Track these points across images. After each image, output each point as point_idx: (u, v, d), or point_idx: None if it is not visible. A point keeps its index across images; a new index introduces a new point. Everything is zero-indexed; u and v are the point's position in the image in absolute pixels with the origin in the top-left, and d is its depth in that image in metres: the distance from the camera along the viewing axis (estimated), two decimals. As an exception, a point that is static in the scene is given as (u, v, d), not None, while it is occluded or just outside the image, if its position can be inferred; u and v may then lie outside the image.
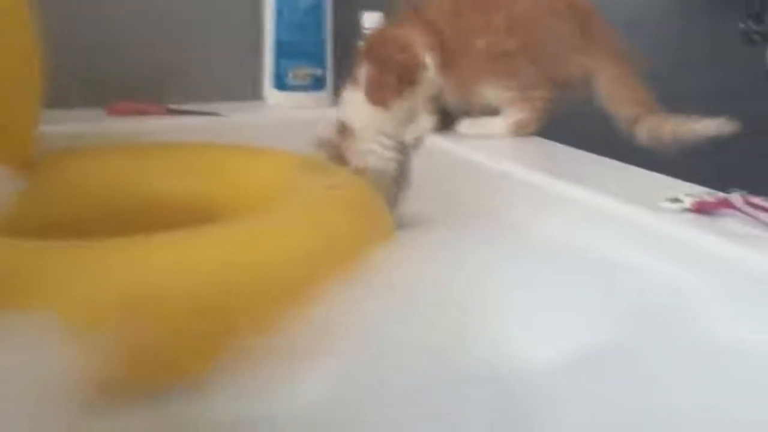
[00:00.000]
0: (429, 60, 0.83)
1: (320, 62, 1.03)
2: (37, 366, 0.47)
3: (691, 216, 0.58)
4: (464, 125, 0.86)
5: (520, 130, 0.84)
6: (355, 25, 1.03)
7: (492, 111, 0.86)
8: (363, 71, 0.81)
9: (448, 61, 0.83)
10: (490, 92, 0.84)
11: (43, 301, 0.50)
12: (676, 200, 0.60)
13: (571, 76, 0.83)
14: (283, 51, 1.02)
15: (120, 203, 0.75)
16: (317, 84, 1.04)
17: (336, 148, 0.78)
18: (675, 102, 0.72)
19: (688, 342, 0.53)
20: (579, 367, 0.52)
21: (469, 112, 0.87)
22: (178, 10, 1.03)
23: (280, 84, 1.03)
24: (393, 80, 0.82)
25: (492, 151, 0.79)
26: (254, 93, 1.06)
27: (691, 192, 0.61)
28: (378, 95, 0.81)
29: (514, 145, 0.84)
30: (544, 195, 0.68)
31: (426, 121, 0.84)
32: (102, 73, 0.99)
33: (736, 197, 0.56)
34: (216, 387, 0.51)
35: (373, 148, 0.77)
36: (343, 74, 1.05)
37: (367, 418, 0.49)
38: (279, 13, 1.01)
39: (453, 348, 0.53)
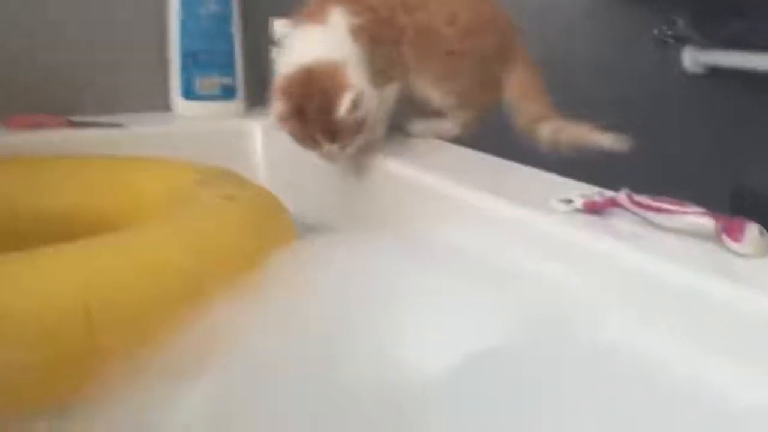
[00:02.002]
0: None
1: (230, 71, 1.01)
2: None
3: (581, 216, 0.57)
4: (416, 125, 0.86)
5: (465, 131, 0.85)
6: (265, 33, 1.01)
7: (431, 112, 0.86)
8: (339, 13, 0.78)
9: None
10: (435, 94, 0.83)
11: None
12: (568, 201, 0.60)
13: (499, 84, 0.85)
14: (190, 60, 0.99)
15: (8, 218, 0.72)
16: (227, 93, 1.01)
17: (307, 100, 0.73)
18: (590, 105, 0.71)
19: (579, 344, 0.52)
20: (470, 374, 0.51)
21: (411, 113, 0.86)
22: (80, 21, 0.99)
23: (189, 94, 1.00)
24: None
25: (389, 154, 0.78)
26: (163, 104, 1.03)
27: (584, 192, 0.61)
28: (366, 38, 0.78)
29: (411, 148, 0.83)
30: (440, 198, 0.67)
31: (382, 129, 0.83)
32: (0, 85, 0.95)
33: (621, 196, 0.56)
34: (86, 411, 0.48)
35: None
36: (255, 83, 1.03)
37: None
38: (184, 22, 0.98)
39: (338, 358, 0.51)
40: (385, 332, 0.54)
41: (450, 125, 0.85)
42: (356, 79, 0.74)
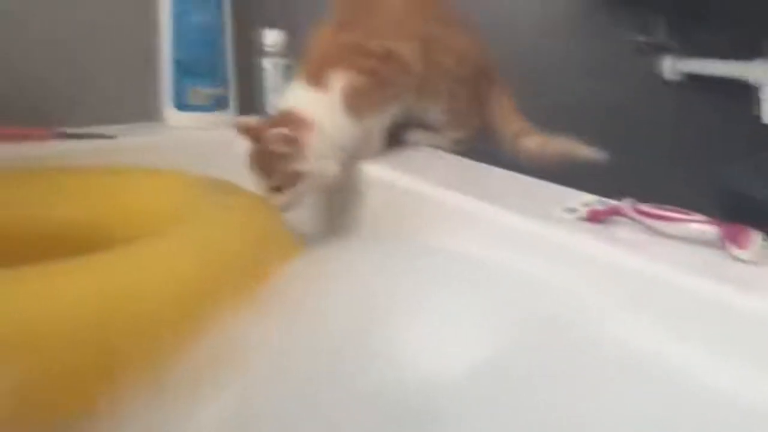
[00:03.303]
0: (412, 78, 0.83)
1: (221, 81, 1.01)
2: None
3: (585, 224, 0.59)
4: (415, 135, 0.89)
5: (456, 147, 0.89)
6: (257, 43, 1.01)
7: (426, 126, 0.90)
8: (339, 77, 0.78)
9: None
10: (433, 113, 0.88)
11: None
12: (572, 210, 0.61)
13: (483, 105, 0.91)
14: (181, 70, 0.99)
15: (4, 232, 0.71)
16: (219, 103, 1.01)
17: (259, 135, 0.74)
18: (568, 112, 0.74)
19: (584, 350, 0.53)
20: (480, 379, 0.52)
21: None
22: (70, 33, 0.99)
23: (180, 104, 1.00)
24: (379, 93, 0.80)
25: (394, 166, 0.79)
26: (154, 114, 1.02)
27: (587, 201, 0.63)
28: (360, 105, 0.78)
29: (413, 158, 0.84)
30: (445, 208, 0.68)
31: (381, 141, 0.84)
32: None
33: (625, 205, 0.57)
34: (102, 422, 0.48)
35: (325, 153, 0.76)
36: (246, 93, 1.04)
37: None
38: (175, 32, 0.98)
39: (354, 368, 0.52)
40: (395, 339, 0.55)
41: (443, 141, 0.89)
42: (315, 139, 0.75)
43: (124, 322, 0.49)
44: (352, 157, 0.81)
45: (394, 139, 0.86)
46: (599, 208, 0.59)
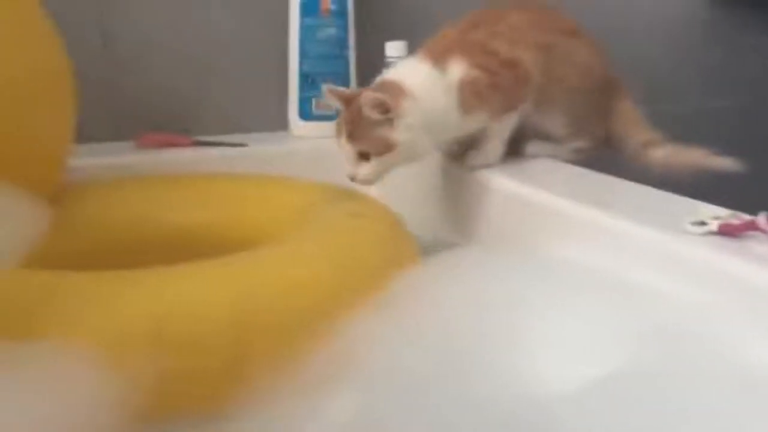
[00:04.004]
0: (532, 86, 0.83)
1: (344, 92, 1.04)
2: (63, 397, 0.47)
3: (717, 239, 0.57)
4: (534, 147, 0.88)
5: (579, 156, 0.88)
6: (379, 55, 1.04)
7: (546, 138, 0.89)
8: (460, 66, 0.79)
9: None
10: (553, 124, 0.87)
11: (70, 330, 0.51)
12: (701, 223, 0.59)
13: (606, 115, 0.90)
14: (307, 81, 1.03)
15: (145, 234, 0.76)
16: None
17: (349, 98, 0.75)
18: (699, 120, 0.72)
19: (714, 367, 0.51)
20: (602, 393, 0.51)
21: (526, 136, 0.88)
22: (207, 43, 1.05)
23: (305, 114, 1.04)
24: (491, 93, 0.80)
25: (515, 176, 0.79)
26: (280, 124, 1.07)
27: (716, 214, 0.60)
28: (469, 98, 0.79)
29: (536, 169, 0.83)
30: (568, 219, 0.67)
31: (498, 151, 0.84)
32: (132, 106, 1.01)
33: (762, 219, 0.55)
34: (240, 417, 0.51)
35: (419, 127, 0.75)
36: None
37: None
38: (303, 45, 1.03)
39: (471, 374, 0.52)
40: (514, 348, 0.55)
41: (564, 151, 0.88)
42: (411, 111, 0.74)
43: (257, 323, 0.52)
44: (467, 165, 0.82)
45: (514, 150, 0.86)
46: (733, 222, 0.57)
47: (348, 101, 0.76)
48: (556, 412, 0.50)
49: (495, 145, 0.83)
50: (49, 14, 0.73)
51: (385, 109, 0.73)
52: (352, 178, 0.76)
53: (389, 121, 0.73)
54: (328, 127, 1.04)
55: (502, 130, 0.83)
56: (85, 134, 0.81)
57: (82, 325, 0.52)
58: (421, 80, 0.77)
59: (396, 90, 0.75)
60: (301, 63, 1.03)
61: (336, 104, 0.78)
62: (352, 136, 0.75)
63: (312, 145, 1.02)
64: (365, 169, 0.75)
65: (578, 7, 0.89)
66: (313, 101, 1.04)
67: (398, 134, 0.74)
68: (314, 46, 1.03)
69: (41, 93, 0.69)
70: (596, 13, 0.92)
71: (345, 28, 1.04)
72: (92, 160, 0.89)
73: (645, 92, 0.90)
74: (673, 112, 0.90)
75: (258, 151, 0.98)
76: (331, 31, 1.03)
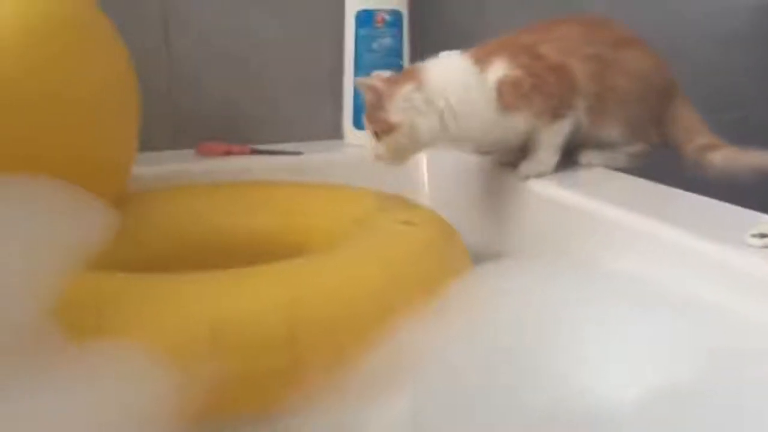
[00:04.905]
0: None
1: (398, 102, 1.05)
2: (128, 396, 0.49)
3: (778, 252, 0.55)
4: (588, 156, 0.87)
5: (633, 163, 0.87)
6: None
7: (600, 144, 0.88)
8: (502, 64, 0.80)
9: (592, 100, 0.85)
10: (612, 130, 0.86)
11: (136, 332, 0.53)
12: (762, 235, 0.58)
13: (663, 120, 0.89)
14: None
15: (205, 240, 0.78)
16: (395, 123, 1.06)
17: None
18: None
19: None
20: (654, 409, 0.50)
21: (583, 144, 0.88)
22: (263, 54, 1.07)
23: (359, 123, 1.06)
24: (534, 95, 0.80)
25: (565, 185, 0.78)
26: (335, 132, 1.09)
27: (779, 227, 0.59)
28: (508, 97, 0.79)
29: (587, 178, 0.83)
30: (622, 230, 0.67)
31: (551, 160, 0.84)
32: (191, 116, 1.04)
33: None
34: (294, 420, 0.52)
35: (422, 108, 0.78)
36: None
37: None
38: (358, 55, 1.04)
39: (525, 384, 0.52)
40: (566, 358, 0.54)
41: (619, 158, 0.87)
42: (412, 94, 0.77)
43: (312, 328, 0.53)
44: (520, 174, 0.82)
45: (567, 159, 0.86)
46: (795, 234, 0.56)
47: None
48: (612, 427, 0.50)
49: (548, 154, 0.83)
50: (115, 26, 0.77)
51: (374, 92, 0.77)
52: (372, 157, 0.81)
53: (380, 103, 0.77)
54: (381, 136, 1.06)
55: (553, 138, 0.83)
56: (146, 143, 0.84)
57: (143, 326, 0.54)
58: (449, 71, 0.79)
59: (407, 75, 0.79)
60: (355, 73, 1.04)
61: (361, 93, 0.82)
62: (367, 119, 0.80)
63: (365, 153, 1.04)
64: (378, 148, 0.79)
65: (652, 19, 0.88)
66: (367, 110, 1.05)
67: (393, 116, 0.77)
68: (369, 56, 1.04)
69: (111, 104, 0.72)
70: (671, 24, 0.90)
71: (399, 39, 1.05)
72: (154, 168, 0.92)
73: (711, 101, 0.89)
74: (737, 120, 0.88)
75: (313, 160, 1.00)
76: (386, 41, 1.04)
